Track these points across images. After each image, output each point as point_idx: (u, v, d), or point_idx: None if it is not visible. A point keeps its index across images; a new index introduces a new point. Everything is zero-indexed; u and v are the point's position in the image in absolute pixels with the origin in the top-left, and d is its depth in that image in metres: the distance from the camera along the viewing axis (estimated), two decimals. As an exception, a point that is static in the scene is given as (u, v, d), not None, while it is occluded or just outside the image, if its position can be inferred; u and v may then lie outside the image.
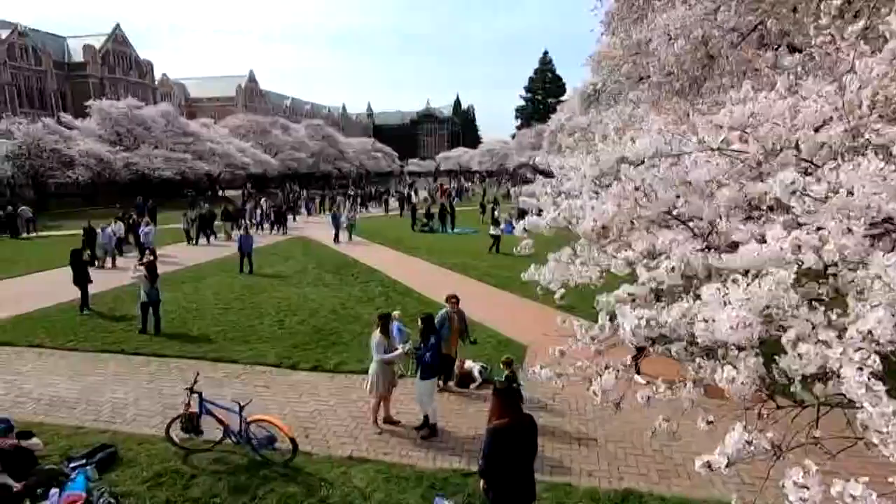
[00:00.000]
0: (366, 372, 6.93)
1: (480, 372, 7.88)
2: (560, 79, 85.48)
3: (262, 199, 30.74)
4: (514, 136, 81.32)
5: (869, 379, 1.65)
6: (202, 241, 22.11)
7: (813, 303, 2.05)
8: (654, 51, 7.90)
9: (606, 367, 2.64)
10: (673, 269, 2.45)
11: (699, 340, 2.14)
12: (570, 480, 5.55)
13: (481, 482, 4.24)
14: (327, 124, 75.17)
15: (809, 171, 2.41)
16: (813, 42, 2.85)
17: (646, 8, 8.68)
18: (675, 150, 2.85)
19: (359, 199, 40.43)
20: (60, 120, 38.82)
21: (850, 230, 1.92)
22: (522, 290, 11.45)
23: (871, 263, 1.91)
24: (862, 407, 1.68)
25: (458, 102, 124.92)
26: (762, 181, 2.54)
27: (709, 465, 2.04)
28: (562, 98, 67.71)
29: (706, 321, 2.06)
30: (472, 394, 7.65)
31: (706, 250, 2.55)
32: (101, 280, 13.57)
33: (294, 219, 30.44)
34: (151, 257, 11.51)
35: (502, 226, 20.05)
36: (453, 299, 7.79)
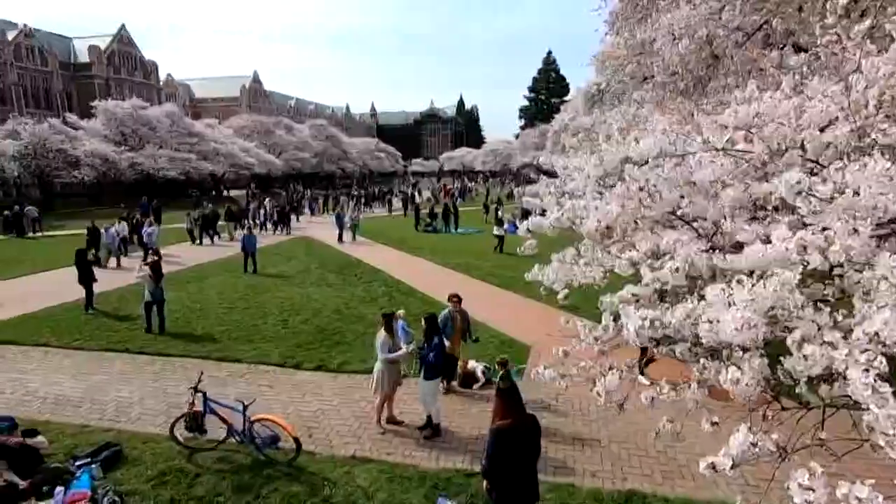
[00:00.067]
0: (369, 372, 6.94)
1: (484, 372, 7.88)
2: (564, 79, 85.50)
3: (266, 199, 30.82)
4: (517, 137, 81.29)
5: (875, 380, 1.64)
6: (206, 241, 22.18)
7: (818, 304, 2.04)
8: (659, 50, 7.87)
9: (610, 368, 2.64)
10: (677, 269, 2.45)
11: (703, 341, 2.13)
12: (574, 481, 5.54)
13: (484, 482, 4.24)
14: (331, 124, 75.33)
15: (815, 171, 2.40)
16: (819, 41, 2.83)
17: (650, 8, 8.65)
18: (680, 150, 2.84)
19: (362, 200, 40.49)
20: (66, 120, 39.08)
21: (856, 231, 1.91)
22: (526, 291, 11.45)
23: (878, 264, 1.90)
24: (868, 409, 1.67)
25: (461, 102, 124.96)
26: (767, 181, 2.53)
27: (713, 467, 2.03)
28: (565, 98, 67.72)
29: (710, 322, 2.05)
30: (475, 394, 7.64)
31: (711, 251, 2.54)
32: (106, 280, 13.65)
33: (297, 219, 30.51)
34: (156, 257, 11.56)
35: (506, 226, 20.03)
36: (455, 298, 7.78)
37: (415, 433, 6.53)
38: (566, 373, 2.90)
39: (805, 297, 1.99)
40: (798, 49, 6.15)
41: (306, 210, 35.67)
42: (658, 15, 7.96)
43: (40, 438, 5.88)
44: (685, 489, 5.42)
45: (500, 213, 24.75)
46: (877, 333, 1.72)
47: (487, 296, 12.96)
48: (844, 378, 1.75)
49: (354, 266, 17.05)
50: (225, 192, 50.70)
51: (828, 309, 1.97)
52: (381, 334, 6.51)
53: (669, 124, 3.65)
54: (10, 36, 44.45)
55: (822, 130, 2.50)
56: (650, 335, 2.34)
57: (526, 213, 12.45)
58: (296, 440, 5.78)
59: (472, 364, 8.01)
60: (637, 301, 2.62)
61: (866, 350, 1.72)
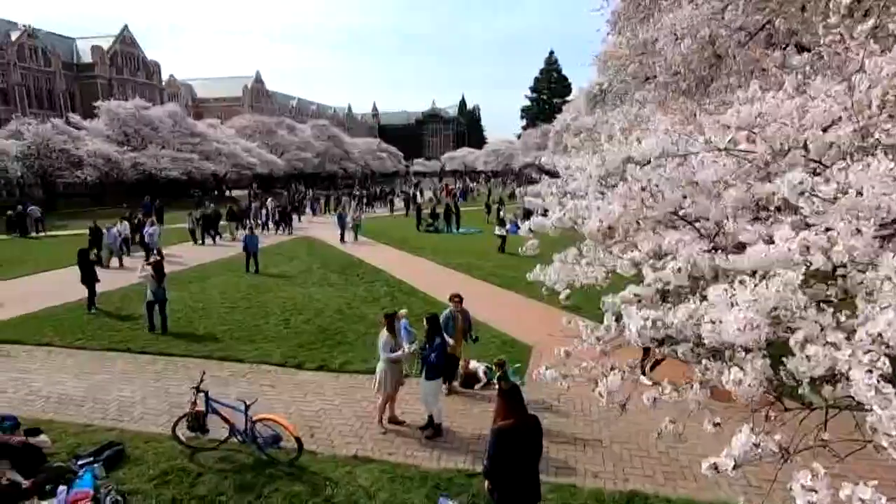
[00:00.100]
0: (371, 372, 6.94)
1: (485, 372, 7.88)
2: (566, 79, 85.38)
3: (269, 199, 30.87)
4: (519, 137, 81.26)
5: (878, 381, 1.63)
6: (207, 241, 22.22)
7: (821, 304, 2.03)
8: (661, 50, 7.85)
9: (612, 369, 2.63)
10: (679, 269, 2.44)
11: (706, 342, 2.13)
12: (575, 481, 5.54)
13: (486, 483, 4.24)
14: (333, 124, 75.43)
15: (818, 171, 2.39)
16: (822, 41, 2.82)
17: (652, 7, 8.63)
18: (682, 150, 2.83)
19: (364, 200, 40.52)
20: (69, 120, 39.19)
21: (859, 231, 1.90)
22: (528, 291, 11.43)
23: (881, 265, 1.89)
24: (871, 410, 1.66)
25: (463, 102, 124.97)
26: (770, 181, 2.52)
27: (715, 467, 2.03)
28: (567, 98, 67.59)
29: (713, 322, 2.04)
30: (476, 394, 7.64)
31: (713, 251, 2.53)
32: (109, 279, 13.68)
33: (299, 219, 30.54)
34: (158, 257, 11.59)
35: (508, 226, 20.02)
36: (456, 298, 7.77)
37: (416, 433, 6.53)
38: (568, 373, 2.90)
39: (808, 297, 1.98)
40: (801, 49, 6.13)
41: (308, 210, 35.72)
42: (660, 15, 7.94)
43: (43, 437, 5.90)
44: (687, 490, 5.41)
45: (501, 213, 24.74)
46: (880, 334, 1.71)
47: (489, 296, 12.96)
48: (847, 379, 1.74)
49: (356, 266, 17.06)
50: (227, 193, 50.80)
51: (831, 309, 1.96)
52: (384, 334, 6.52)
53: (672, 124, 3.64)
54: (14, 36, 44.62)
55: (825, 130, 2.49)
56: (652, 335, 2.33)
57: (528, 213, 12.44)
58: (297, 440, 5.79)
59: (473, 364, 8.01)
60: (639, 301, 2.62)
61: (869, 351, 1.71)
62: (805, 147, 2.48)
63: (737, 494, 5.04)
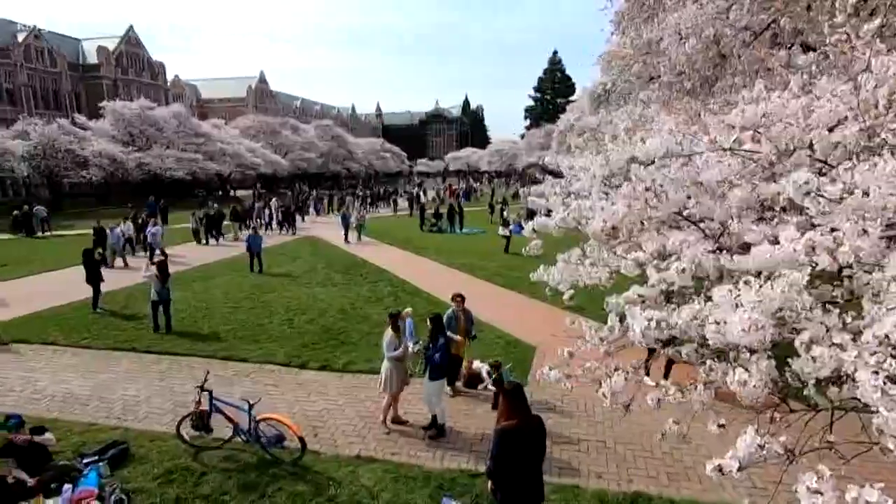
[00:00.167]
0: (374, 372, 6.96)
1: (489, 373, 7.86)
2: (569, 79, 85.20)
3: (273, 199, 30.95)
4: (523, 137, 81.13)
5: (885, 383, 1.62)
6: (211, 241, 22.29)
7: (827, 305, 2.02)
8: (665, 50, 7.83)
9: (616, 369, 2.63)
10: (684, 270, 2.43)
11: (710, 343, 2.12)
12: (579, 482, 5.53)
13: (489, 483, 4.23)
14: (337, 125, 75.51)
15: (823, 171, 2.38)
16: (827, 40, 2.81)
17: (656, 7, 8.60)
18: (687, 150, 2.82)
19: (368, 200, 40.58)
20: (75, 121, 39.40)
21: (865, 231, 1.89)
22: (531, 291, 11.42)
23: (888, 265, 1.88)
24: (877, 411, 1.65)
25: (466, 102, 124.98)
26: (775, 182, 2.51)
27: (720, 469, 2.02)
28: (571, 98, 67.54)
29: (717, 323, 2.04)
30: (480, 394, 7.63)
31: (717, 251, 2.52)
32: (113, 279, 13.75)
33: (302, 219, 30.61)
34: (162, 257, 11.64)
35: (511, 226, 20.00)
36: (458, 298, 7.77)
37: (420, 433, 6.53)
38: (571, 374, 2.90)
39: (814, 298, 1.97)
40: (806, 48, 6.09)
41: (311, 210, 35.80)
42: (664, 14, 7.91)
43: (48, 436, 5.93)
44: (691, 491, 5.38)
45: (505, 213, 24.71)
46: (887, 336, 1.70)
47: (492, 296, 12.95)
48: (853, 380, 1.73)
49: (360, 266, 17.08)
50: (231, 192, 50.98)
51: (837, 310, 1.95)
52: (388, 333, 6.52)
53: (676, 124, 3.63)
54: (20, 37, 44.88)
55: (830, 130, 2.48)
56: (656, 336, 2.32)
57: (531, 214, 12.42)
58: (301, 439, 5.80)
59: (476, 364, 8.00)
60: (643, 302, 2.61)
61: (876, 352, 1.70)
62: (811, 147, 2.47)
63: (741, 496, 5.02)
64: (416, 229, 26.61)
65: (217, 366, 8.37)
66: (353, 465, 5.80)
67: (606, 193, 3.41)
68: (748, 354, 2.12)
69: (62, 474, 5.39)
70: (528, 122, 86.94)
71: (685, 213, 2.82)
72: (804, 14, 5.74)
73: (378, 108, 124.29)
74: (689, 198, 2.78)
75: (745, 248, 2.39)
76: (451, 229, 26.23)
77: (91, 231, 18.49)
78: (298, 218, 28.74)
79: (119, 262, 17.31)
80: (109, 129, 40.24)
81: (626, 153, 3.09)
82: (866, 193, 1.93)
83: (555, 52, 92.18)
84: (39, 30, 46.89)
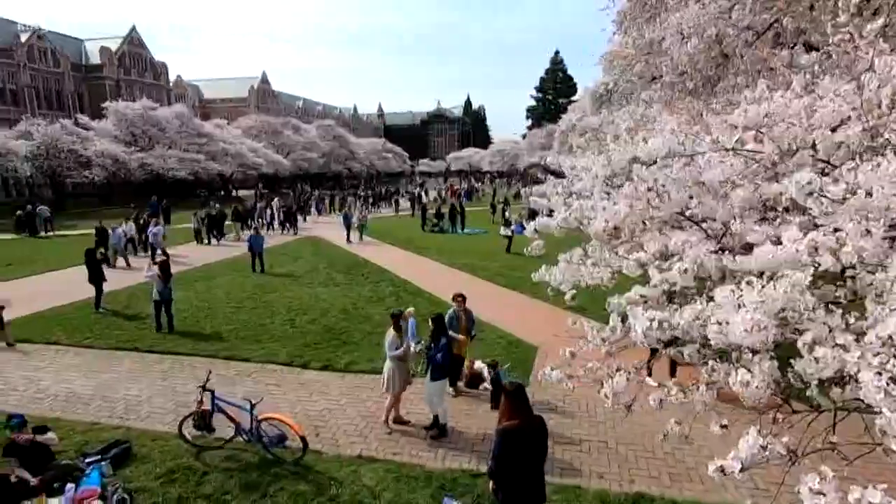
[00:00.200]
0: (376, 372, 6.96)
1: (489, 373, 7.86)
2: (571, 79, 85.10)
3: (274, 199, 30.98)
4: (524, 137, 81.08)
5: (888, 384, 1.62)
6: (212, 241, 22.34)
7: (830, 306, 2.01)
8: (667, 50, 7.81)
9: (618, 370, 2.62)
10: (686, 270, 2.43)
11: (712, 343, 2.12)
12: (580, 483, 5.52)
13: (490, 483, 4.23)
14: (338, 125, 75.63)
15: (826, 171, 2.37)
16: (830, 40, 2.80)
17: (659, 7, 8.59)
18: (689, 150, 2.82)
19: (369, 200, 40.61)
20: (77, 121, 39.56)
21: (868, 232, 1.88)
22: (533, 291, 11.41)
23: (891, 266, 1.87)
24: (880, 412, 1.65)
25: (468, 103, 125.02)
26: (777, 182, 2.51)
27: (722, 470, 2.02)
28: (573, 98, 67.47)
29: (720, 324, 2.03)
30: (481, 395, 7.63)
31: (720, 252, 2.52)
32: (116, 279, 13.78)
33: (304, 219, 30.65)
34: (165, 257, 11.67)
35: (513, 226, 19.99)
36: (459, 298, 7.77)
37: (421, 433, 6.53)
38: (573, 374, 2.89)
39: (816, 299, 1.96)
40: (809, 48, 6.08)
41: (313, 210, 35.83)
42: (667, 14, 7.90)
43: (51, 435, 5.95)
44: (693, 492, 5.37)
45: (507, 213, 24.70)
46: (890, 336, 1.69)
47: (494, 296, 12.94)
48: (856, 381, 1.73)
49: (361, 266, 17.09)
50: (234, 192, 51.06)
51: (840, 311, 1.95)
52: (390, 333, 6.52)
53: (678, 124, 3.63)
54: (24, 38, 45.02)
55: (833, 130, 2.47)
56: (658, 337, 2.32)
57: (533, 214, 12.42)
58: (303, 439, 5.81)
59: (478, 364, 8.00)
60: (645, 302, 2.61)
61: (879, 353, 1.69)
62: (813, 147, 2.46)
63: (744, 497, 5.01)
64: (418, 229, 26.62)
65: (219, 365, 8.39)
66: (355, 465, 5.81)
67: (608, 193, 3.40)
68: (751, 355, 2.12)
69: (65, 474, 5.40)
70: (529, 122, 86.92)
71: (687, 214, 2.82)
72: (807, 14, 5.73)
73: (380, 109, 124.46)
74: (691, 198, 2.77)
75: (748, 248, 2.39)
76: (453, 229, 26.23)
77: (93, 231, 18.57)
78: (300, 218, 28.77)
79: (121, 261, 17.36)
80: (112, 129, 40.39)
81: (628, 153, 3.09)
82: (869, 194, 1.92)
83: (556, 52, 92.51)
84: (42, 30, 47.03)
